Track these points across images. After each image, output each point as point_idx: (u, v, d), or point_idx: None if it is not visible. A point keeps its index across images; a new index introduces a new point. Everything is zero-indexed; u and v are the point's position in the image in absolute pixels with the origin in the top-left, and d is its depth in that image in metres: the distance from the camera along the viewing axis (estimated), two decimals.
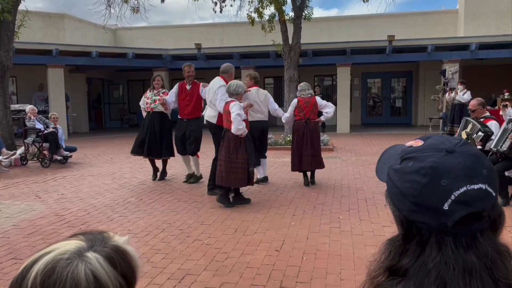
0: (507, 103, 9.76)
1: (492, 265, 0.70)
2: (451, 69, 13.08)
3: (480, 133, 5.79)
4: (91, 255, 0.68)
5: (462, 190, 0.71)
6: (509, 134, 5.53)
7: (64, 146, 9.64)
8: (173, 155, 7.36)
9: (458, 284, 0.69)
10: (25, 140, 9.34)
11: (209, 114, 6.43)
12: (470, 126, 6.05)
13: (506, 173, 5.70)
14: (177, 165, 8.59)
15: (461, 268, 0.70)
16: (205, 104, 6.87)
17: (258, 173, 6.92)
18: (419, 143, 0.80)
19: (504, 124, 5.87)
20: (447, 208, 0.71)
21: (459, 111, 11.11)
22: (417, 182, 0.73)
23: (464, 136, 6.01)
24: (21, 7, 10.59)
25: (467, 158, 0.74)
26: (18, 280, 0.67)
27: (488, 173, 0.74)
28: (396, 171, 0.79)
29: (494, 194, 0.74)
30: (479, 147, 5.69)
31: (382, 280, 0.79)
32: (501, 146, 5.58)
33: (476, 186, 0.71)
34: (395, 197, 0.78)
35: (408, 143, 0.82)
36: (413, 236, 0.76)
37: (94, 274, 0.66)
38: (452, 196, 0.71)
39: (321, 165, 6.99)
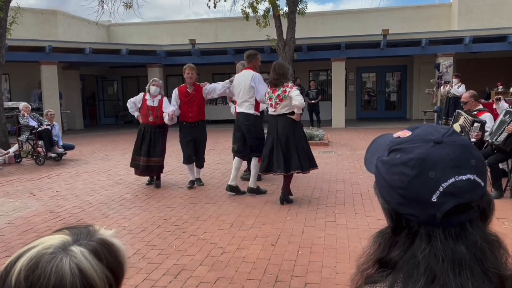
0: (500, 96, 9.80)
1: (482, 255, 0.70)
2: (445, 62, 13.10)
3: (476, 124, 5.81)
4: (75, 248, 0.67)
5: (450, 181, 0.70)
6: (506, 126, 5.54)
7: (61, 144, 9.60)
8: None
9: (448, 276, 0.69)
10: (19, 138, 9.28)
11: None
12: (462, 118, 6.06)
13: (500, 165, 5.73)
14: (172, 162, 8.58)
15: (450, 259, 0.70)
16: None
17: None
18: (407, 133, 0.79)
19: (501, 116, 5.87)
20: (435, 200, 0.70)
21: (453, 104, 11.15)
22: (405, 174, 0.73)
23: (457, 129, 6.03)
24: (13, 3, 10.49)
25: (455, 148, 0.73)
26: (2, 276, 0.66)
27: (477, 163, 0.73)
28: (384, 163, 0.78)
29: (483, 184, 0.73)
30: (473, 140, 5.72)
31: (372, 273, 0.79)
32: (497, 138, 5.60)
33: (464, 177, 0.71)
34: (383, 190, 0.78)
35: (396, 134, 0.81)
36: (402, 228, 0.76)
37: (79, 268, 0.65)
38: (441, 187, 0.70)
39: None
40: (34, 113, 10.00)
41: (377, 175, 0.79)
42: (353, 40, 15.21)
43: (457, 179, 0.71)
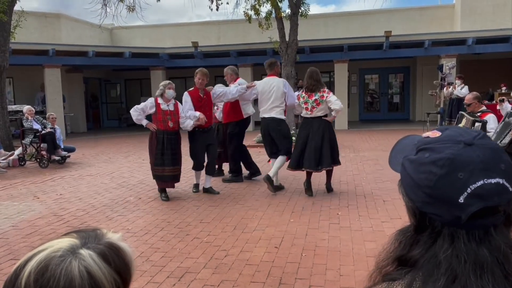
0: (504, 97, 9.77)
1: (504, 260, 0.70)
2: (448, 64, 13.08)
3: (477, 124, 5.81)
4: (84, 252, 0.67)
5: (478, 183, 0.70)
6: (511, 128, 5.51)
7: (62, 146, 9.62)
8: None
9: (469, 277, 0.68)
10: (23, 141, 9.32)
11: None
12: (464, 120, 6.07)
13: None
14: None
15: (473, 261, 0.69)
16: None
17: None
18: (437, 134, 0.79)
19: (506, 118, 5.85)
20: (462, 201, 0.70)
21: (457, 106, 11.12)
22: (433, 173, 0.73)
23: (429, 133, 5.99)
24: (17, 7, 10.56)
25: (486, 151, 0.73)
26: (11, 279, 0.66)
27: (506, 167, 0.73)
28: (411, 161, 0.78)
29: (510, 190, 0.72)
30: None
31: (390, 270, 0.79)
32: (501, 140, 5.58)
33: (493, 181, 0.70)
34: (409, 188, 0.77)
35: (425, 134, 0.82)
36: (425, 227, 0.76)
37: (88, 271, 0.66)
38: (468, 189, 0.70)
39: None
40: (38, 116, 10.04)
41: (403, 174, 0.79)
42: (356, 41, 15.21)
43: (485, 182, 0.70)
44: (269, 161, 6.76)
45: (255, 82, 6.70)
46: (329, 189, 6.27)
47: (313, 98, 5.89)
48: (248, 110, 7.07)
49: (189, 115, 6.12)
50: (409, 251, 0.76)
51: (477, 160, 0.72)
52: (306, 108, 5.95)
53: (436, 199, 0.73)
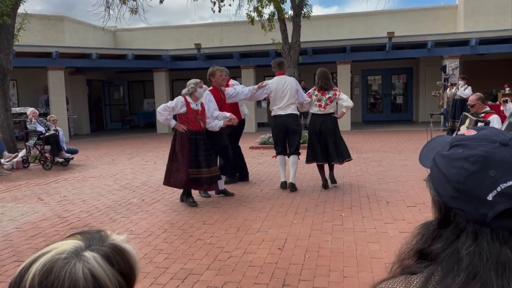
0: (507, 98, 9.74)
1: None
2: (452, 64, 13.04)
3: (479, 123, 5.81)
4: (88, 254, 0.68)
5: (509, 183, 0.70)
6: None
7: (65, 148, 9.65)
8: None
9: (490, 275, 0.69)
10: (27, 143, 9.36)
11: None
12: (467, 121, 6.07)
13: None
14: None
15: (495, 260, 0.70)
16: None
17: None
18: (472, 132, 0.80)
19: (509, 118, 5.84)
20: (491, 199, 0.70)
21: (460, 107, 11.08)
22: (464, 169, 0.73)
23: (464, 131, 5.99)
24: (20, 10, 10.60)
25: None
26: (16, 281, 0.67)
27: None
28: (443, 156, 0.78)
29: None
30: None
31: (410, 263, 0.80)
32: None
33: None
34: (438, 182, 0.78)
35: (461, 132, 0.83)
36: (449, 222, 0.76)
37: (92, 273, 0.66)
38: (499, 187, 0.70)
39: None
40: (42, 118, 10.07)
41: (434, 169, 0.80)
42: (359, 43, 15.20)
43: None
44: (275, 156, 6.82)
45: (266, 81, 6.73)
46: (334, 180, 6.68)
47: (327, 96, 6.38)
48: (244, 110, 7.19)
49: (217, 115, 5.92)
50: (430, 245, 0.77)
51: (510, 161, 0.72)
52: (320, 106, 6.40)
53: (464, 195, 0.73)
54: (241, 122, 7.06)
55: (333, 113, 6.54)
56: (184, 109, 5.69)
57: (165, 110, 5.64)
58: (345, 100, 6.43)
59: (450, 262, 0.72)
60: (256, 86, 6.70)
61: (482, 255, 0.70)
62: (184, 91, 5.83)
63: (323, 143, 6.42)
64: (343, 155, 6.51)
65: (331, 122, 6.46)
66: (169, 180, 5.88)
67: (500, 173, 0.71)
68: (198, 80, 5.87)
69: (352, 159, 6.82)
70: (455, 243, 0.73)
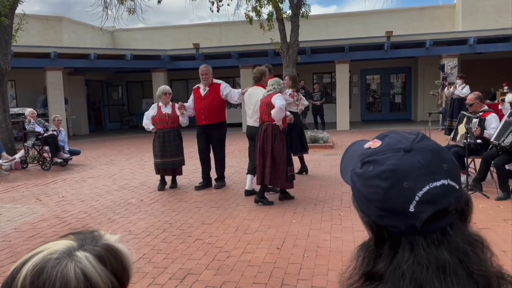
0: (505, 97, 9.74)
1: (465, 258, 0.70)
2: (450, 63, 13.06)
3: (474, 120, 5.83)
4: (80, 254, 0.67)
5: (425, 189, 0.69)
6: None
7: (67, 149, 9.65)
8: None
9: (433, 283, 0.68)
10: (25, 144, 9.34)
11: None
12: (465, 119, 6.09)
13: (507, 167, 5.70)
14: None
15: (435, 266, 0.69)
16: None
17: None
18: (377, 143, 0.78)
19: (506, 117, 5.84)
20: (413, 210, 0.69)
21: (458, 106, 11.09)
22: (380, 187, 0.72)
23: (463, 130, 6.01)
24: (18, 10, 10.58)
25: (426, 155, 0.72)
26: (8, 281, 0.66)
27: (449, 166, 0.72)
28: (358, 176, 0.77)
29: (457, 187, 0.72)
30: (479, 141, 5.68)
31: (358, 286, 0.78)
32: (504, 140, 5.56)
33: (438, 183, 0.70)
34: (361, 203, 0.77)
35: (367, 144, 0.80)
36: (384, 239, 0.75)
37: (84, 273, 0.65)
38: (416, 197, 0.69)
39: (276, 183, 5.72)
40: (40, 119, 10.06)
41: (354, 188, 0.78)
42: (357, 42, 15.20)
43: (431, 186, 0.70)
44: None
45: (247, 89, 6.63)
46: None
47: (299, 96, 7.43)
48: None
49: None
50: (373, 266, 0.75)
51: (418, 166, 0.71)
52: (298, 105, 7.25)
53: (388, 212, 0.72)
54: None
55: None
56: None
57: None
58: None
59: (395, 279, 0.71)
60: (241, 91, 6.71)
61: (422, 264, 0.69)
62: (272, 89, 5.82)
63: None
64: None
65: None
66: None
67: (413, 182, 0.70)
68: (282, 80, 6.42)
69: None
70: (395, 259, 0.72)
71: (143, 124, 6.95)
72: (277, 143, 5.54)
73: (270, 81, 5.92)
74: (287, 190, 5.92)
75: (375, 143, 0.78)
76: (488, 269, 0.71)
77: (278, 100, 5.47)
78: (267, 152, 5.54)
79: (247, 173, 6.44)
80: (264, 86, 6.11)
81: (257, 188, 5.95)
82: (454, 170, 0.73)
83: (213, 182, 6.94)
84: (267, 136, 5.55)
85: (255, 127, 6.03)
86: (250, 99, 6.25)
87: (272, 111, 5.45)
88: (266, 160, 5.54)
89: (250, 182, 6.27)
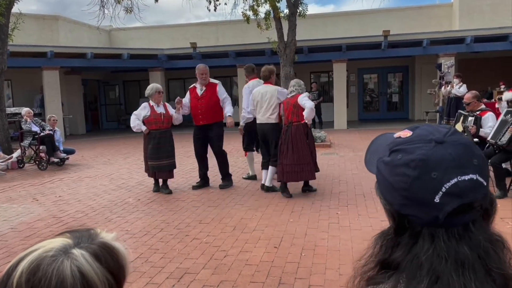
0: (502, 96, 9.77)
1: (485, 255, 0.70)
2: (447, 62, 13.08)
3: (470, 118, 5.85)
4: (76, 251, 0.67)
5: (453, 181, 0.69)
6: (509, 126, 5.51)
7: (62, 149, 9.61)
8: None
9: (451, 276, 0.68)
10: (22, 143, 9.31)
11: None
12: (462, 118, 6.11)
13: (503, 165, 5.71)
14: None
15: (454, 260, 0.69)
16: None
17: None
18: (408, 133, 0.78)
19: (502, 116, 5.86)
20: (438, 201, 0.70)
21: (455, 105, 11.12)
22: (407, 175, 0.72)
23: (460, 129, 6.02)
24: (15, 9, 10.55)
25: (457, 148, 0.72)
26: (3, 279, 0.66)
27: (479, 162, 0.72)
28: (385, 164, 0.77)
29: (485, 184, 0.72)
30: (476, 140, 5.69)
31: (373, 274, 0.78)
32: (500, 138, 5.57)
33: (467, 177, 0.70)
34: (386, 191, 0.77)
35: (396, 134, 0.80)
36: (405, 229, 0.75)
37: (80, 271, 0.65)
38: (443, 188, 0.69)
39: (307, 176, 6.07)
40: (37, 118, 10.02)
41: (379, 176, 0.78)
42: (354, 41, 15.21)
43: (459, 179, 0.70)
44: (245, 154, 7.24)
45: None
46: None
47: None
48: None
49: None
50: (391, 254, 0.76)
51: (449, 158, 0.71)
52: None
53: (412, 201, 0.72)
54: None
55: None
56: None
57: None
58: None
59: (412, 269, 0.71)
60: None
61: (441, 256, 0.69)
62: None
63: None
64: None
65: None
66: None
67: (442, 174, 0.70)
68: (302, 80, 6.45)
69: None
70: (414, 248, 0.72)
71: (132, 125, 6.61)
72: (310, 139, 6.04)
73: (291, 82, 6.23)
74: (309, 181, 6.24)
75: (405, 133, 0.79)
76: (506, 269, 0.71)
77: (307, 102, 5.81)
78: (302, 149, 5.89)
79: (262, 169, 6.60)
80: (272, 84, 6.43)
81: (276, 184, 6.32)
82: (483, 167, 0.73)
83: (210, 183, 6.93)
84: (301, 135, 5.90)
85: (268, 124, 6.26)
86: (263, 97, 6.29)
87: (305, 112, 5.78)
88: (301, 157, 5.88)
89: (270, 176, 6.38)
